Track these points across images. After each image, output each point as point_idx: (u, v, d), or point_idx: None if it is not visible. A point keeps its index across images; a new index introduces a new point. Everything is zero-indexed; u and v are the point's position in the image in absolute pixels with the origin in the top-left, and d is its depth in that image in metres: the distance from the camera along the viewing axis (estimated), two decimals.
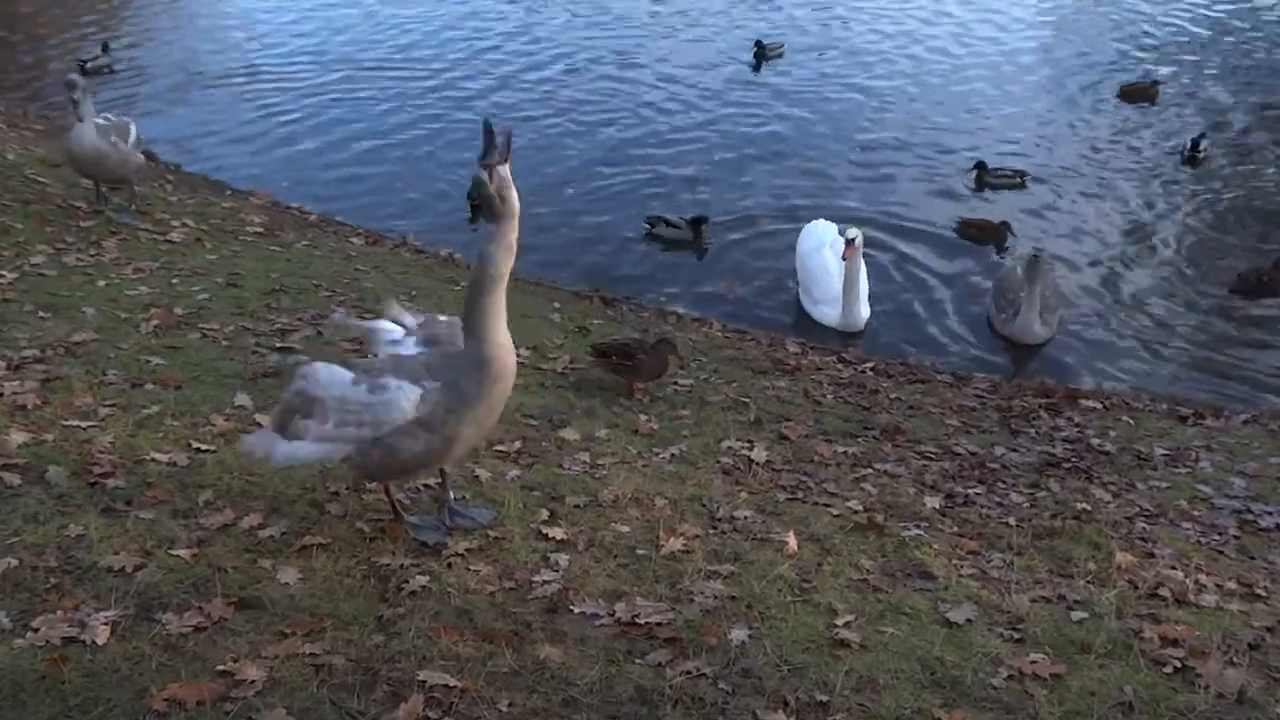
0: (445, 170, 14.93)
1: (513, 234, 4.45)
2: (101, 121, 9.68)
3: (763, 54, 20.29)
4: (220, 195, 12.81)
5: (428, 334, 4.88)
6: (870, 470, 6.82)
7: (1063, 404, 9.17)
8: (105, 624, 4.14)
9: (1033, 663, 4.50)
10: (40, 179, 10.97)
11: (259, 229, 11.11)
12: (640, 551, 5.23)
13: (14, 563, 4.48)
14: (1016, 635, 4.77)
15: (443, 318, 5.01)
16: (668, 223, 13.38)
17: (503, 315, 4.52)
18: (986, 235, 13.69)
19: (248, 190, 13.70)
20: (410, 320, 4.98)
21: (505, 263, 4.45)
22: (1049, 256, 11.76)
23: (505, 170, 4.36)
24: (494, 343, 4.48)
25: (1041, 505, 6.56)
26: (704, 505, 5.86)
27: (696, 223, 13.39)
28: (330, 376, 4.55)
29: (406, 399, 4.48)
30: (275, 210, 12.79)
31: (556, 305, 10.20)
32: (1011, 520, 6.19)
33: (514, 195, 4.41)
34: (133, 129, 9.86)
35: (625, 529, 5.43)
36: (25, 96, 17.81)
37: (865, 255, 11.98)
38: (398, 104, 17.59)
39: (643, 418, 7.30)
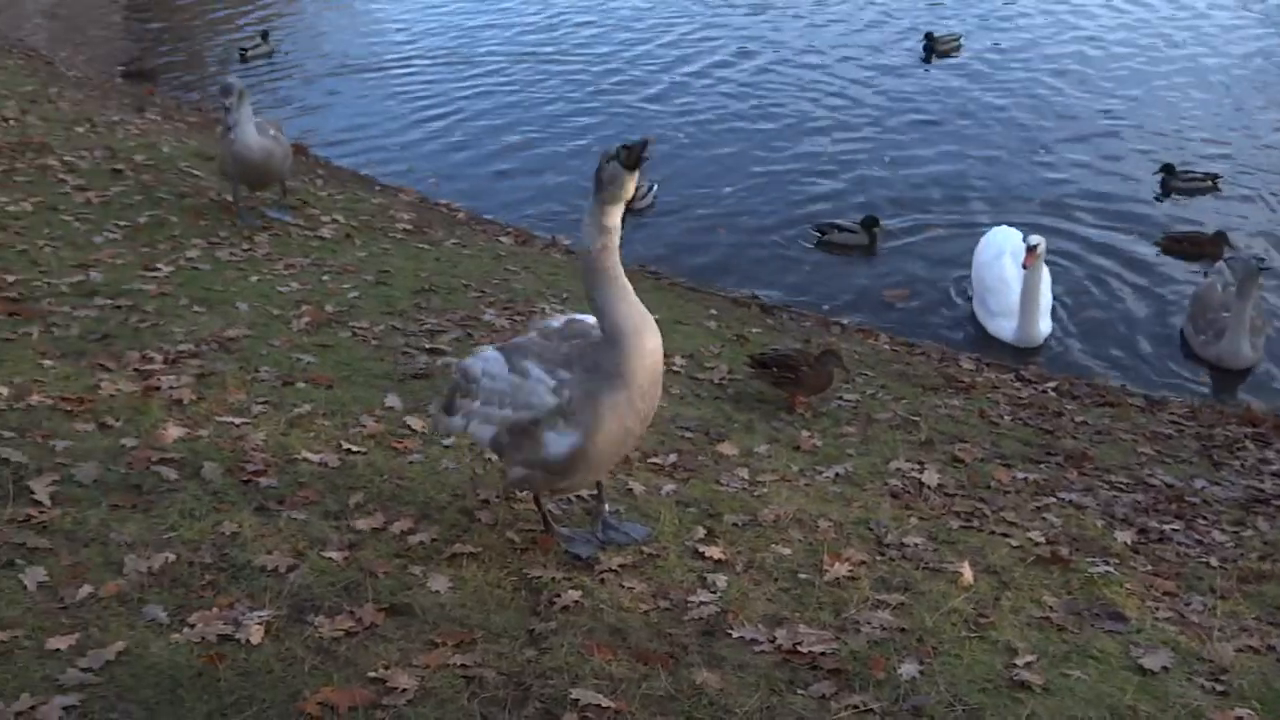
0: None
1: (611, 218, 4.46)
2: (256, 119, 9.88)
3: (933, 47, 19.98)
4: (369, 191, 13.28)
5: (576, 329, 4.91)
6: (1053, 499, 6.67)
7: (1272, 434, 8.78)
8: (259, 624, 4.36)
9: (1238, 718, 4.33)
10: (194, 172, 11.56)
11: (408, 226, 11.48)
12: (802, 576, 5.23)
13: (171, 558, 4.74)
14: (1220, 687, 4.60)
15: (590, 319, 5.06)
16: (840, 228, 13.30)
17: (625, 288, 4.51)
18: (1199, 250, 13.02)
19: (396, 186, 14.16)
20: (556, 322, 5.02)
21: (600, 239, 4.46)
22: (1262, 266, 11.07)
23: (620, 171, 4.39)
24: (621, 314, 4.42)
25: (1248, 545, 6.30)
26: (871, 529, 5.83)
27: (869, 224, 13.30)
28: (487, 356, 4.82)
29: (545, 385, 4.61)
30: (423, 207, 13.19)
31: (713, 312, 10.25)
32: (1213, 561, 5.97)
33: (629, 187, 4.42)
34: (281, 127, 10.39)
35: (786, 551, 5.44)
36: (180, 87, 18.79)
37: (1048, 264, 11.69)
38: (551, 101, 17.95)
39: (805, 434, 7.28)
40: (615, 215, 4.46)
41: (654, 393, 4.63)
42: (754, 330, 9.81)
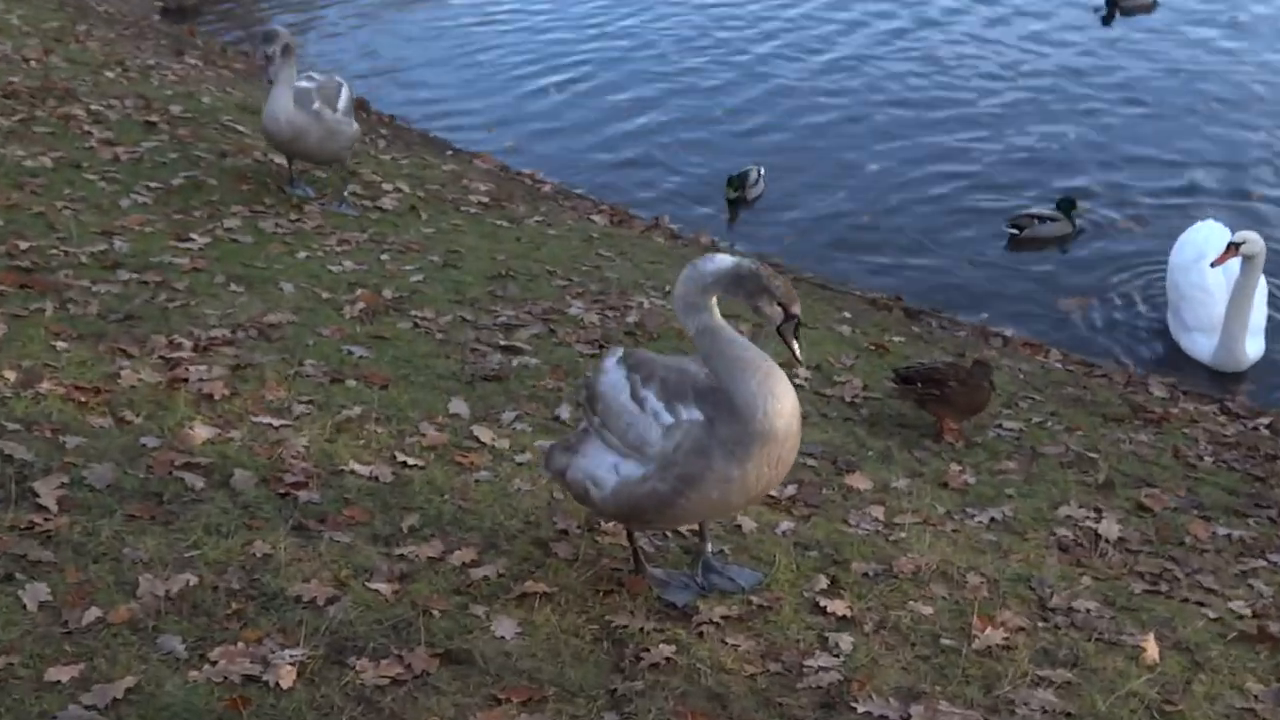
0: (710, 154, 15.04)
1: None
2: (305, 84, 9.54)
3: (1118, 3, 19.66)
4: (440, 156, 13.46)
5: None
6: (1263, 563, 6.49)
7: None
8: (291, 664, 4.40)
9: None
10: (238, 127, 11.81)
11: (484, 199, 11.59)
12: (946, 641, 5.16)
13: (192, 580, 4.82)
14: None
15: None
16: (1040, 218, 13.09)
17: (745, 357, 4.67)
18: None
19: (472, 152, 14.31)
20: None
21: (697, 319, 4.72)
22: None
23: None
24: (749, 390, 4.63)
25: None
26: (1032, 589, 5.74)
27: (1066, 207, 13.14)
28: (615, 374, 4.95)
29: (657, 423, 4.73)
30: (503, 177, 13.33)
31: (846, 315, 10.19)
32: None
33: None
34: (344, 91, 9.79)
35: (927, 610, 5.37)
36: (226, 26, 19.21)
37: (1270, 276, 11.37)
38: (658, 59, 17.94)
39: (955, 468, 7.18)
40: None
41: (776, 475, 4.80)
42: (896, 339, 9.72)
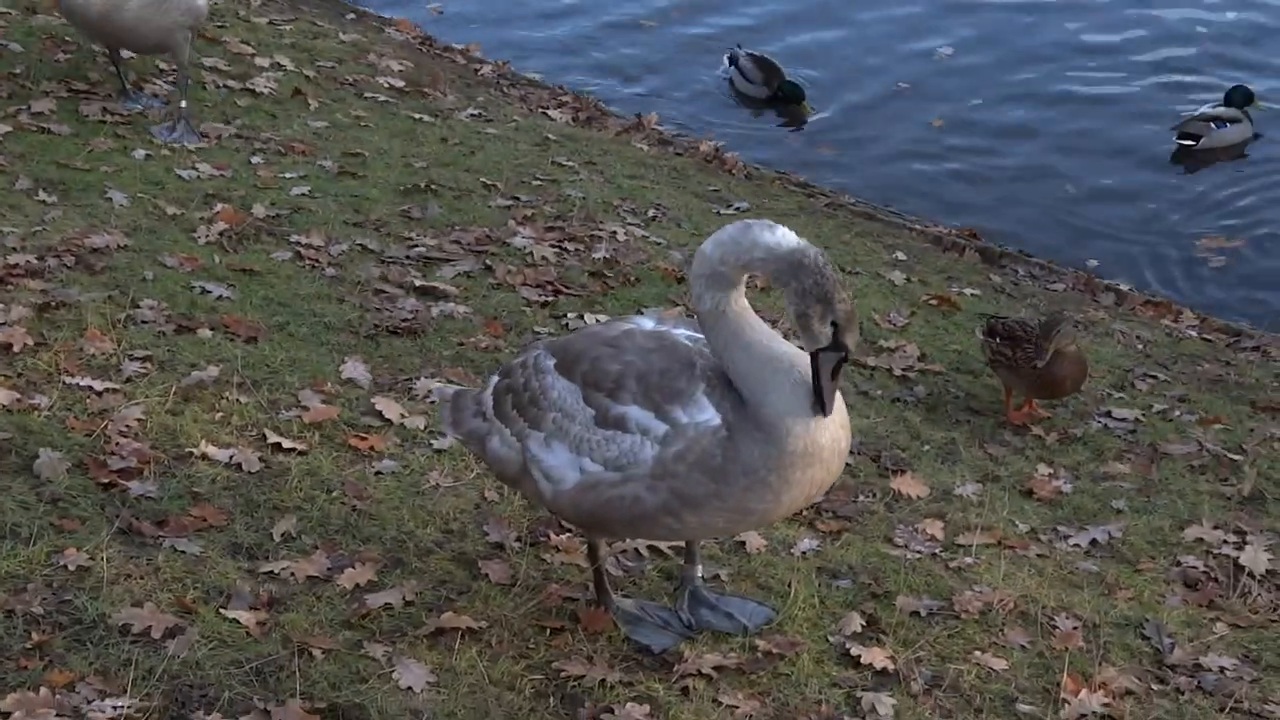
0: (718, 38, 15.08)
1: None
2: None
3: None
4: (337, 20, 13.36)
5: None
6: None
7: None
8: (114, 719, 4.39)
9: None
10: None
11: (398, 82, 11.54)
12: (1024, 708, 5.18)
13: None
14: None
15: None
16: (1218, 120, 13.18)
17: (775, 342, 4.75)
18: None
19: (384, 17, 14.22)
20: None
21: (715, 296, 4.74)
22: None
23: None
24: (777, 403, 4.69)
25: None
26: (1146, 638, 5.76)
27: (1240, 100, 13.25)
28: (562, 388, 5.00)
29: (650, 437, 4.79)
30: (426, 53, 13.26)
31: (899, 256, 10.19)
32: None
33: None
34: None
35: (1000, 665, 5.40)
36: None
37: None
38: None
39: (1042, 469, 7.21)
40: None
41: (809, 499, 4.91)
42: (967, 291, 9.73)
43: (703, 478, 4.69)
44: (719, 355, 4.77)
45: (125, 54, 9.85)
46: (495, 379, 5.29)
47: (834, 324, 4.60)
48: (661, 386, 4.78)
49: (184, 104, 9.44)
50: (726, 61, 14.34)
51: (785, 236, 4.63)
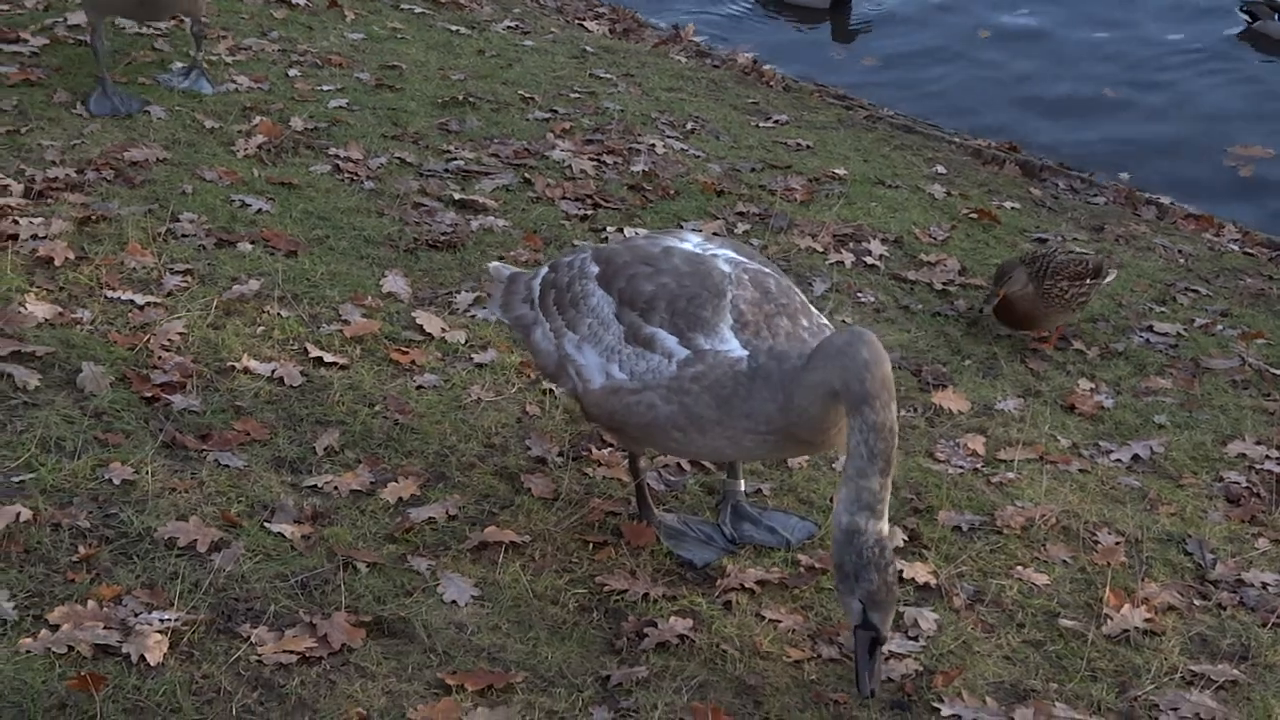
0: None
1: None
2: None
3: None
4: None
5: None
6: None
7: None
8: (161, 632, 4.44)
9: None
10: None
11: None
12: (1066, 623, 5.21)
13: (23, 513, 4.86)
14: None
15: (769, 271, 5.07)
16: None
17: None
18: None
19: None
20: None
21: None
22: None
23: None
24: (808, 409, 4.74)
25: None
26: (1188, 554, 5.78)
27: None
28: (600, 298, 5.13)
29: (673, 358, 4.89)
30: None
31: (939, 170, 10.15)
32: None
33: None
34: None
35: (1041, 579, 5.42)
36: None
37: None
38: None
39: (1084, 384, 7.20)
40: None
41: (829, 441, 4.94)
42: (1007, 204, 9.69)
43: (711, 402, 4.79)
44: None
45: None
46: (545, 270, 5.40)
47: (860, 602, 4.54)
48: (689, 313, 4.87)
49: (199, 54, 8.75)
50: None
51: (839, 516, 4.56)
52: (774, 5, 14.11)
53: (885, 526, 4.51)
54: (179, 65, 8.87)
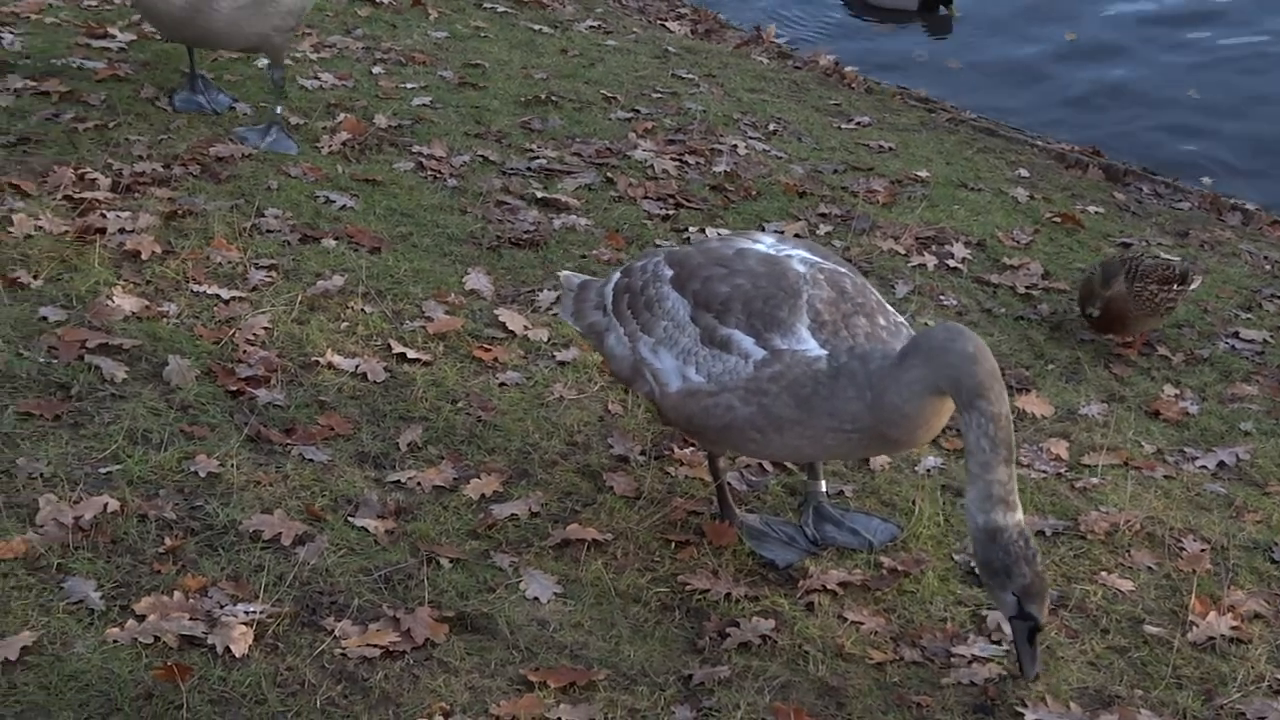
0: None
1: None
2: None
3: None
4: None
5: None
6: None
7: None
8: (246, 624, 4.48)
9: None
10: None
11: None
12: (1151, 629, 5.18)
13: (111, 505, 4.91)
14: None
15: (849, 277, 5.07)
16: None
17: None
18: None
19: None
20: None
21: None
22: None
23: None
24: (902, 405, 4.75)
25: None
26: (1275, 561, 5.72)
27: None
28: (674, 300, 5.16)
29: (750, 360, 4.93)
30: None
31: (1022, 173, 10.10)
32: None
33: None
34: None
35: (1126, 585, 5.39)
36: None
37: None
38: None
39: (1169, 390, 7.15)
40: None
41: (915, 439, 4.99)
42: (1091, 209, 9.63)
43: (790, 402, 4.82)
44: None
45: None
46: (617, 275, 5.43)
47: (1015, 595, 4.59)
48: (764, 313, 4.89)
49: (279, 109, 8.06)
50: None
51: (974, 517, 4.61)
52: (862, 7, 14.07)
53: (1020, 515, 4.55)
54: (248, 117, 8.26)
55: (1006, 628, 4.94)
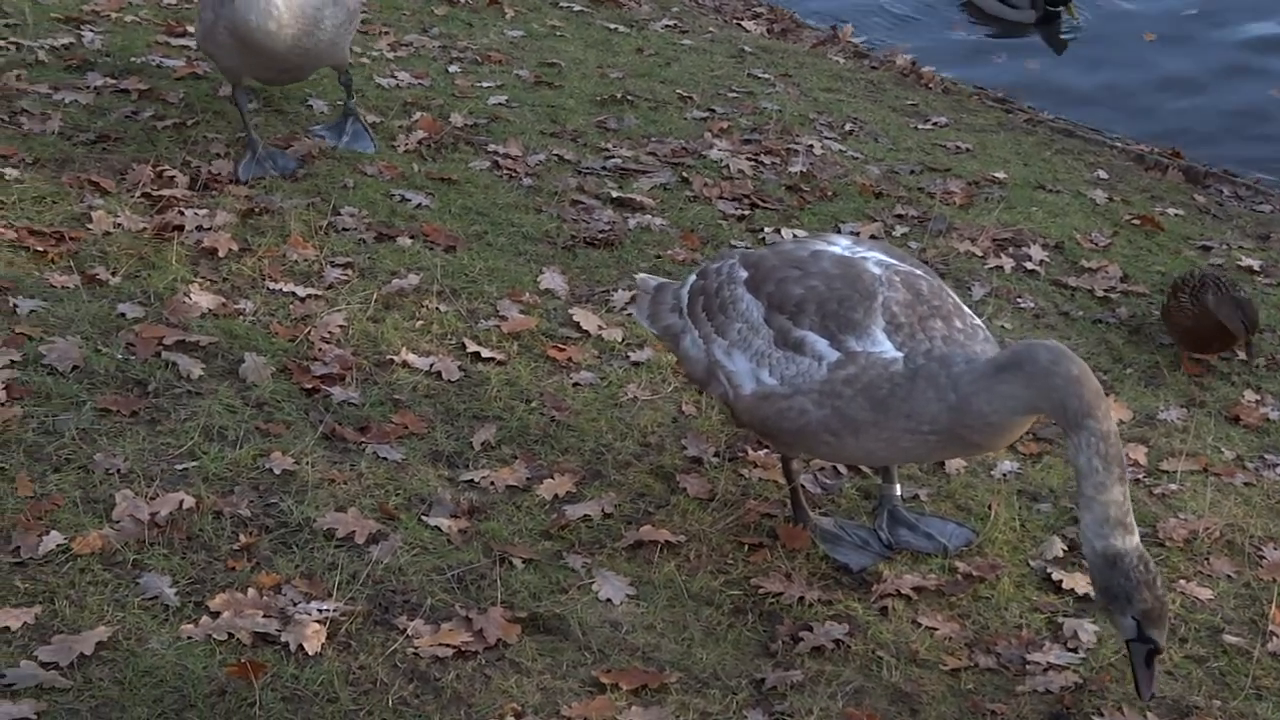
0: None
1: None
2: None
3: None
4: None
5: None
6: None
7: None
8: (319, 622, 4.52)
9: None
10: None
11: None
12: (1230, 639, 5.13)
13: (187, 501, 4.96)
14: None
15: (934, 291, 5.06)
16: None
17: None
18: None
19: None
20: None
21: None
22: None
23: None
24: (985, 408, 4.74)
25: None
26: None
27: None
28: (749, 302, 5.16)
29: (823, 362, 4.93)
30: None
31: (1101, 175, 10.03)
32: None
33: None
34: None
35: (1205, 594, 5.35)
36: None
37: None
38: None
39: (1249, 395, 7.07)
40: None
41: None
42: (1171, 211, 9.56)
43: (865, 404, 4.81)
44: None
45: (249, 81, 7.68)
46: (693, 278, 5.43)
47: (1135, 619, 4.54)
48: (839, 315, 4.88)
49: (353, 101, 8.00)
50: None
51: (1091, 542, 4.56)
52: (979, 16, 13.99)
53: (1137, 536, 4.50)
54: (325, 115, 8.25)
55: (1084, 635, 4.94)
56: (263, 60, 7.21)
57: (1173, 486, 6.05)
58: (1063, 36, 13.80)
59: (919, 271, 5.03)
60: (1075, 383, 4.50)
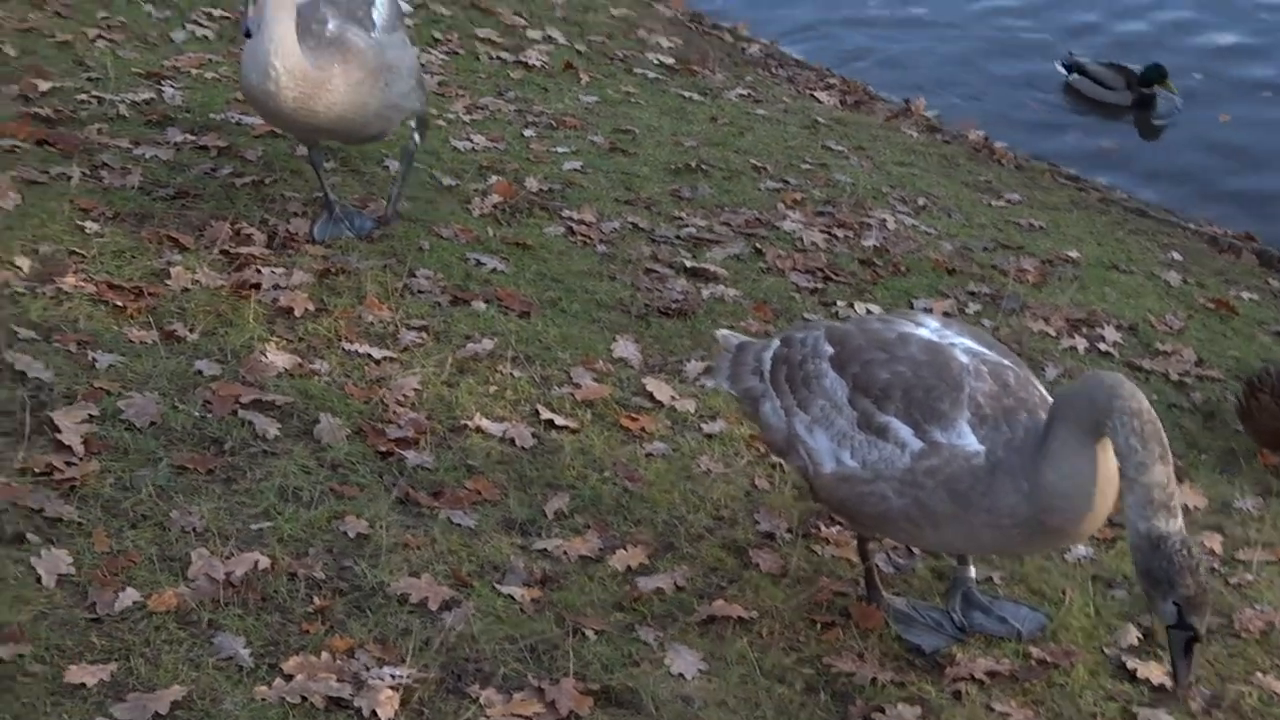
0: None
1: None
2: None
3: None
4: None
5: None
6: None
7: None
8: (392, 688, 4.52)
9: None
10: None
11: (667, 58, 11.64)
12: None
13: (262, 562, 4.98)
14: None
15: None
16: None
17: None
18: None
19: None
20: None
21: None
22: None
23: None
24: (1063, 489, 4.72)
25: None
26: None
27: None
28: (833, 380, 5.14)
29: (907, 451, 4.92)
30: (695, 29, 13.30)
31: (1174, 256, 10.02)
32: None
33: None
34: None
35: None
36: None
37: None
38: None
39: None
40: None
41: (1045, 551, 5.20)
42: (1244, 294, 9.53)
43: (946, 496, 4.80)
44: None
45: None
46: (776, 343, 5.42)
47: (1176, 605, 4.55)
48: (925, 405, 4.86)
49: (404, 170, 7.74)
50: (1063, 69, 14.21)
51: (1134, 524, 4.57)
52: (1078, 100, 14.04)
53: (1181, 521, 4.49)
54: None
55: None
56: (279, 123, 7.22)
57: (1249, 576, 6.01)
58: (1155, 122, 13.84)
59: (1007, 362, 5.00)
60: (1092, 379, 4.62)
